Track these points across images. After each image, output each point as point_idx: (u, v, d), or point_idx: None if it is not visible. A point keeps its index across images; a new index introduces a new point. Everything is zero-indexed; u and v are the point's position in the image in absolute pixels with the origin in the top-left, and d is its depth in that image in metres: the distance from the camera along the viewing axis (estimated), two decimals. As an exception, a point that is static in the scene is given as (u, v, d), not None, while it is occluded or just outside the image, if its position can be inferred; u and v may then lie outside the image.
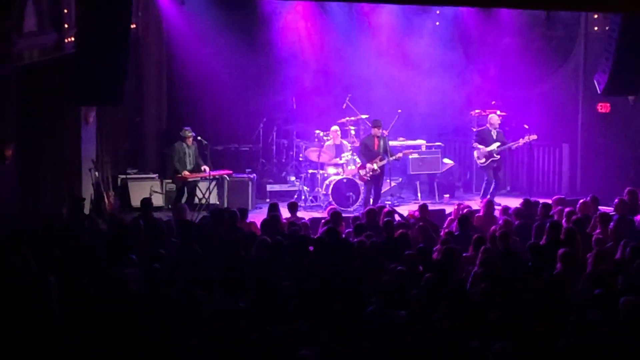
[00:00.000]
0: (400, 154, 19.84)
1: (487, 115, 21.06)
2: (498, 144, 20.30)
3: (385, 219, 14.83)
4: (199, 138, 19.51)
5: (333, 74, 22.25)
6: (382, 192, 19.93)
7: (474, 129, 21.26)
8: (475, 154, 20.63)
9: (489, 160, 20.36)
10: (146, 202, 16.17)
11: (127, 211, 19.10)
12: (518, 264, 12.56)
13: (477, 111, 22.16)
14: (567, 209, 15.46)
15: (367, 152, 19.60)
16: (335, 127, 21.09)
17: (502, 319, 10.19)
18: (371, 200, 19.41)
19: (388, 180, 20.06)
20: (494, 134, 20.40)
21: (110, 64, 16.08)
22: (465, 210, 15.71)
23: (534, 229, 14.36)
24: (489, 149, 20.27)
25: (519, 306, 10.71)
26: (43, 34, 15.77)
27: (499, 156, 20.35)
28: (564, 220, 14.92)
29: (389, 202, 19.41)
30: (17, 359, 9.92)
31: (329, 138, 21.07)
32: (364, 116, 21.58)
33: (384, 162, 19.42)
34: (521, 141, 20.46)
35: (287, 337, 9.81)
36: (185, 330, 10.13)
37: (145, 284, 11.48)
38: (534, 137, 20.28)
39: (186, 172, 19.14)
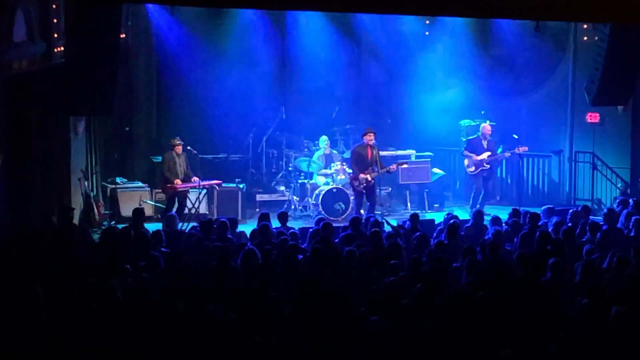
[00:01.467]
0: (394, 166, 19.72)
1: (478, 125, 21.09)
2: (489, 153, 20.32)
3: (372, 229, 14.80)
4: (188, 148, 19.51)
5: (322, 84, 22.22)
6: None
7: (464, 139, 21.28)
8: (466, 162, 20.63)
9: (479, 169, 20.37)
10: (138, 212, 16.17)
11: (117, 221, 19.06)
12: (507, 274, 12.54)
13: (466, 121, 22.19)
14: (556, 220, 15.46)
15: (360, 162, 19.43)
16: (324, 137, 21.08)
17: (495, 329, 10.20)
18: (362, 211, 19.36)
19: (378, 190, 20.01)
20: (484, 143, 20.41)
21: (100, 74, 16.10)
22: (452, 220, 15.68)
23: (521, 238, 14.36)
24: (479, 157, 20.29)
25: (509, 316, 10.73)
26: (32, 43, 15.75)
27: (488, 165, 20.36)
28: (552, 230, 14.91)
29: (379, 213, 19.37)
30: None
31: (319, 148, 21.07)
32: (352, 126, 21.62)
33: (377, 174, 19.30)
34: (508, 153, 20.49)
35: (277, 347, 9.79)
36: (174, 341, 10.10)
37: (134, 295, 11.44)
38: (525, 148, 20.29)
39: (178, 181, 19.10)
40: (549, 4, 13.56)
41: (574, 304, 11.00)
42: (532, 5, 13.69)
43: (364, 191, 19.37)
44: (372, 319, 10.48)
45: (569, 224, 15.40)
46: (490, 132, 20.56)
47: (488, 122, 21.06)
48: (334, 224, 16.00)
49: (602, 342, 9.84)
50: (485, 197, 20.46)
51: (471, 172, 20.52)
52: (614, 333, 9.96)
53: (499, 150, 20.57)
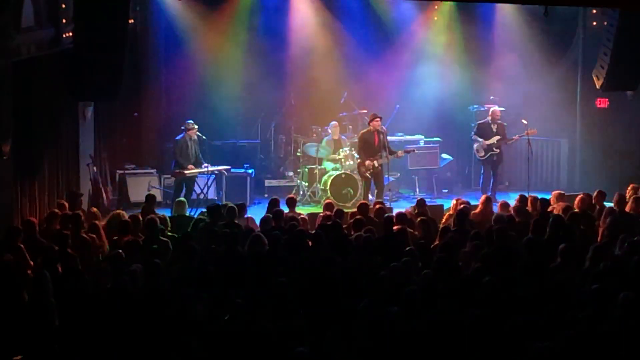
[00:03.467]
0: (401, 152, 19.72)
1: (487, 109, 21.05)
2: (498, 137, 20.27)
3: (384, 215, 14.76)
4: (198, 133, 19.49)
5: (330, 69, 22.17)
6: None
7: (473, 124, 21.25)
8: (475, 146, 20.59)
9: (488, 154, 20.34)
10: (151, 198, 16.23)
11: (125, 206, 19.08)
12: (515, 259, 12.52)
13: (475, 106, 22.16)
14: (564, 205, 15.42)
15: (367, 148, 19.43)
16: (334, 122, 21.06)
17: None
18: (370, 196, 19.36)
19: (387, 175, 19.97)
20: (494, 127, 20.37)
21: (108, 59, 16.06)
22: (462, 205, 15.64)
23: (533, 224, 14.31)
24: (488, 142, 20.24)
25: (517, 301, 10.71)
26: (40, 28, 15.73)
27: (498, 150, 20.33)
28: (562, 215, 14.86)
29: (387, 198, 19.35)
30: (13, 354, 9.89)
31: (327, 133, 21.06)
32: (362, 111, 21.57)
33: (384, 160, 19.30)
34: (517, 137, 20.45)
35: (284, 333, 9.79)
36: (182, 326, 10.11)
37: (144, 280, 11.47)
38: (534, 131, 20.26)
39: (191, 166, 19.11)
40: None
41: (584, 290, 10.96)
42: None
43: (368, 176, 19.37)
44: (379, 304, 10.49)
45: (579, 210, 15.36)
46: (499, 116, 20.51)
47: (497, 106, 21.05)
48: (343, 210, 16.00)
49: (611, 327, 9.81)
50: (495, 183, 20.43)
51: (481, 157, 20.50)
52: (622, 318, 9.94)
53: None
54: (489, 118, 20.51)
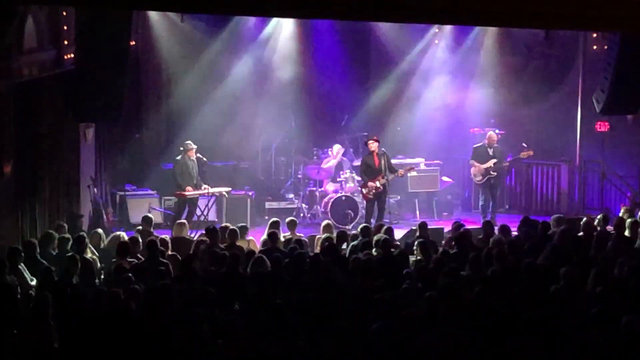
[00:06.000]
0: (401, 171, 19.76)
1: (485, 133, 21.07)
2: (495, 160, 20.26)
3: (382, 237, 14.75)
4: (198, 155, 19.48)
5: (331, 93, 22.23)
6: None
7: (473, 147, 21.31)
8: (472, 171, 20.59)
9: (486, 178, 20.32)
10: (147, 219, 16.22)
11: (126, 228, 19.08)
12: (516, 282, 12.52)
13: (476, 129, 22.20)
14: (564, 228, 15.42)
15: (368, 171, 19.48)
16: (338, 146, 21.15)
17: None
18: (371, 219, 19.37)
19: (388, 197, 19.97)
20: (490, 151, 20.36)
21: (110, 80, 16.11)
22: (460, 228, 15.64)
23: (532, 247, 14.31)
24: (485, 165, 20.24)
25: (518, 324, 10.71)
26: (42, 50, 15.78)
27: (495, 173, 20.30)
28: (562, 239, 14.86)
29: (387, 220, 19.35)
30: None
31: (331, 155, 21.11)
32: (361, 134, 21.66)
33: (386, 180, 19.32)
34: (512, 158, 20.49)
35: (286, 354, 9.79)
36: (185, 348, 10.11)
37: (145, 302, 11.46)
38: (530, 152, 20.29)
39: (189, 187, 19.09)
40: (558, 13, 13.54)
41: (585, 313, 10.96)
42: (541, 14, 13.66)
43: (372, 198, 19.39)
44: (378, 326, 10.48)
45: (580, 233, 15.38)
46: (495, 141, 20.47)
47: (496, 130, 21.07)
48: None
49: (612, 351, 9.81)
50: (494, 207, 20.42)
51: (478, 181, 20.47)
52: (625, 342, 9.94)
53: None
54: (486, 142, 20.47)
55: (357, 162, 20.85)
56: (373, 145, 19.39)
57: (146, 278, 12.40)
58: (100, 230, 15.69)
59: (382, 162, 19.33)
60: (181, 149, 19.42)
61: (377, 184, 19.27)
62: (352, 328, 10.61)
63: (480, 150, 20.47)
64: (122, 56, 16.17)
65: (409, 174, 20.63)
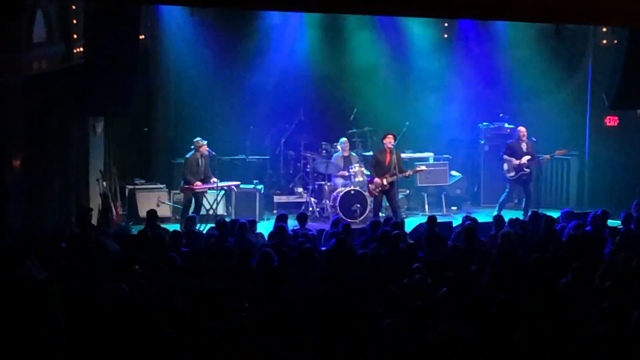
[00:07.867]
0: (410, 172, 19.71)
1: (515, 127, 21.05)
2: (529, 157, 20.19)
3: (393, 232, 14.75)
4: (208, 149, 19.47)
5: (340, 86, 22.21)
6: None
7: (482, 142, 21.25)
8: (505, 166, 20.45)
9: (519, 174, 20.23)
10: (151, 213, 16.23)
11: (135, 222, 19.10)
12: (524, 277, 12.51)
13: (485, 124, 22.18)
14: (574, 222, 15.41)
15: (377, 167, 19.46)
16: (344, 139, 21.10)
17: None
18: (379, 213, 19.36)
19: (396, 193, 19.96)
20: (524, 146, 20.29)
21: (119, 74, 16.15)
22: (470, 222, 15.63)
23: (539, 241, 14.31)
24: (519, 161, 20.14)
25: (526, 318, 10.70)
26: (52, 44, 15.80)
27: (528, 169, 20.24)
28: (571, 234, 14.85)
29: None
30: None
31: (338, 149, 21.10)
32: (370, 128, 21.66)
33: (394, 178, 19.30)
34: (547, 157, 20.49)
35: (294, 349, 9.79)
36: (191, 341, 10.11)
37: (152, 296, 11.46)
38: (564, 151, 20.40)
39: (198, 182, 19.08)
40: (567, 7, 13.53)
41: (594, 308, 10.95)
42: (550, 8, 13.66)
43: (377, 194, 19.38)
44: (388, 320, 10.48)
45: (589, 228, 15.36)
46: (526, 135, 20.42)
47: (506, 124, 21.05)
48: (352, 227, 16.02)
49: (622, 346, 9.79)
50: (528, 203, 20.32)
51: (511, 177, 20.35)
52: (635, 337, 9.92)
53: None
54: (523, 137, 20.36)
55: (368, 153, 20.83)
56: (388, 141, 19.33)
57: (153, 272, 12.40)
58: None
59: (393, 159, 19.30)
60: (192, 146, 19.38)
61: (384, 181, 19.25)
62: (362, 323, 10.62)
63: (514, 146, 20.40)
64: (131, 50, 16.21)
65: (415, 172, 20.53)
